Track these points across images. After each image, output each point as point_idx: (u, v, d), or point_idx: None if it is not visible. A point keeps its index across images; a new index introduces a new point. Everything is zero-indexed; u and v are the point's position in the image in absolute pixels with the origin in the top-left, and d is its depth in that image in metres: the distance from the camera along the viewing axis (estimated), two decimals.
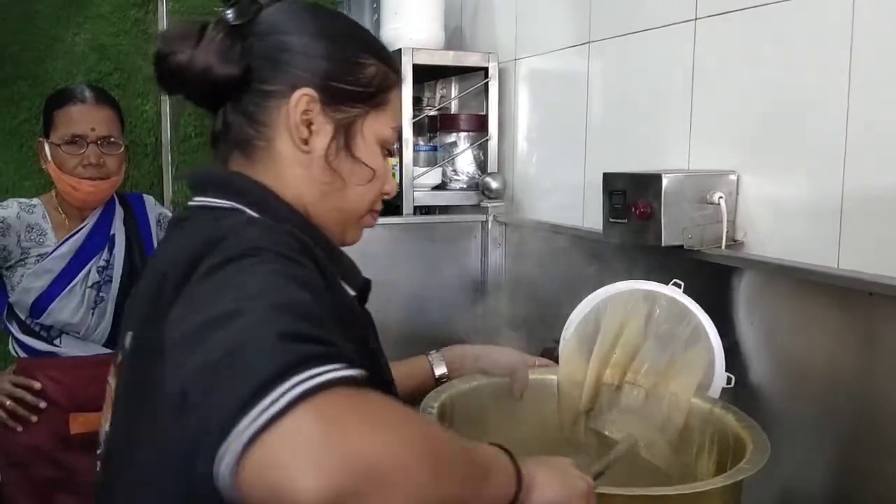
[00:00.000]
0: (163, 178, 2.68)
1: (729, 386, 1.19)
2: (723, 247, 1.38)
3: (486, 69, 2.23)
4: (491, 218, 2.17)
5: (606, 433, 1.15)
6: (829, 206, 1.23)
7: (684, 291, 1.26)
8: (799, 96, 1.29)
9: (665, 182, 1.36)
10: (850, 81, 1.19)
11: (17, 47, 2.48)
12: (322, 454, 0.51)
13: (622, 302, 1.24)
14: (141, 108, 2.64)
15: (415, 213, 2.18)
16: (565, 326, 1.28)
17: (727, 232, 1.39)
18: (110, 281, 1.80)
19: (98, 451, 0.87)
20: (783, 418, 1.23)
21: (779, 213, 1.34)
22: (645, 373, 1.15)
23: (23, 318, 1.77)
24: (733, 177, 1.41)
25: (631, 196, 1.43)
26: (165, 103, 2.65)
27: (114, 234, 1.83)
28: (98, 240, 1.81)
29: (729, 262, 1.35)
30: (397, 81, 0.93)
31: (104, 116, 1.76)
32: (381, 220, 2.11)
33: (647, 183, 1.39)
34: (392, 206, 2.19)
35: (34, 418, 1.74)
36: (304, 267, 0.70)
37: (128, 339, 0.82)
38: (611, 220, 1.50)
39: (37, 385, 1.75)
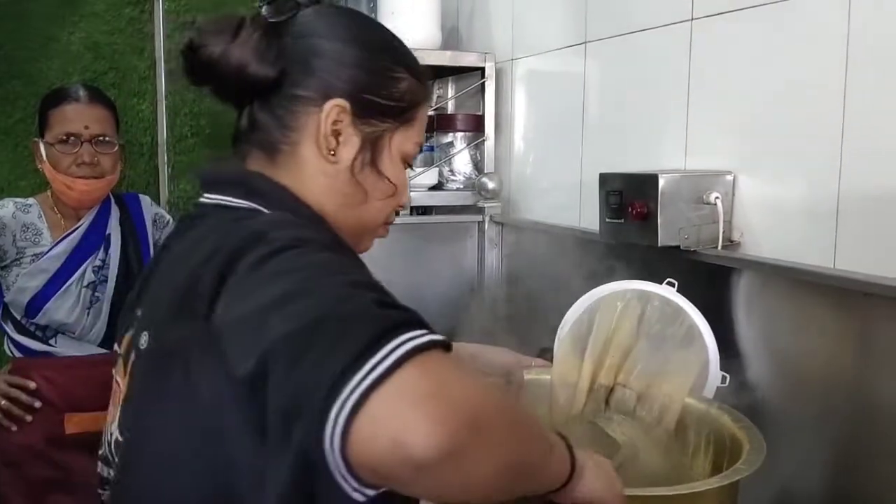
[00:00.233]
0: (159, 178, 2.67)
1: (724, 385, 1.19)
2: (719, 247, 1.39)
3: (482, 69, 2.23)
4: (487, 218, 2.17)
5: (608, 431, 1.15)
6: (826, 207, 1.23)
7: (680, 291, 1.26)
8: (795, 97, 1.29)
9: (662, 182, 1.36)
10: (847, 82, 1.20)
11: (11, 46, 2.47)
12: (437, 407, 0.54)
13: (615, 302, 1.24)
14: (137, 107, 2.63)
15: (411, 214, 2.18)
16: (560, 327, 1.28)
17: (723, 232, 1.39)
18: (106, 281, 1.79)
19: (99, 452, 0.86)
20: (780, 418, 1.23)
21: (775, 213, 1.35)
22: (637, 374, 1.16)
23: (18, 317, 1.77)
24: (730, 177, 1.41)
25: (627, 196, 1.43)
26: (161, 103, 2.64)
27: (109, 234, 1.83)
28: (94, 240, 1.81)
29: (725, 263, 1.35)
30: (427, 97, 0.92)
31: (98, 115, 1.76)
32: None
33: (644, 183, 1.40)
34: None
35: (29, 418, 1.74)
36: (348, 255, 0.73)
37: (143, 339, 0.80)
38: (607, 220, 1.50)
39: (32, 385, 1.74)
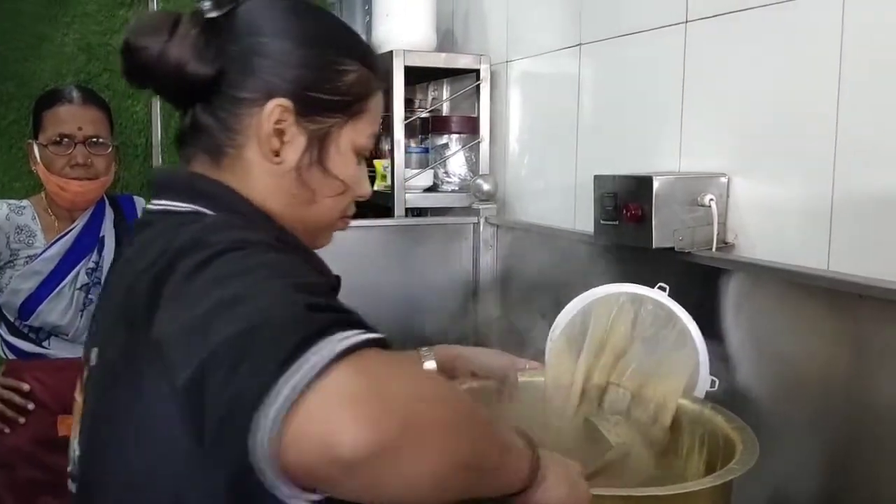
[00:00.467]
0: None
1: (713, 389, 1.19)
2: (713, 249, 1.39)
3: (477, 71, 2.23)
4: (482, 220, 2.16)
5: (601, 430, 1.15)
6: (820, 209, 1.24)
7: (675, 293, 1.26)
8: (789, 99, 1.29)
9: (656, 184, 1.36)
10: (840, 84, 1.20)
11: (3, 47, 2.47)
12: (369, 406, 0.53)
13: (608, 305, 1.24)
14: (131, 108, 2.62)
15: (406, 215, 2.18)
16: (552, 329, 1.28)
17: (718, 234, 1.39)
18: (99, 283, 1.79)
19: (68, 468, 0.84)
20: (774, 419, 1.23)
21: (769, 215, 1.35)
22: (630, 375, 1.16)
23: (11, 319, 1.76)
24: (724, 179, 1.41)
25: (622, 198, 1.44)
26: (156, 104, 2.64)
27: (103, 236, 1.82)
28: (87, 242, 1.80)
29: (720, 264, 1.35)
30: (379, 86, 0.88)
31: (92, 116, 1.75)
32: (373, 222, 2.12)
33: (638, 185, 1.40)
34: (383, 208, 2.19)
35: (22, 420, 1.73)
36: (293, 255, 0.70)
37: (93, 354, 0.79)
38: (602, 222, 1.50)
39: (25, 387, 1.74)
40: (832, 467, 1.17)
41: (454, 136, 2.27)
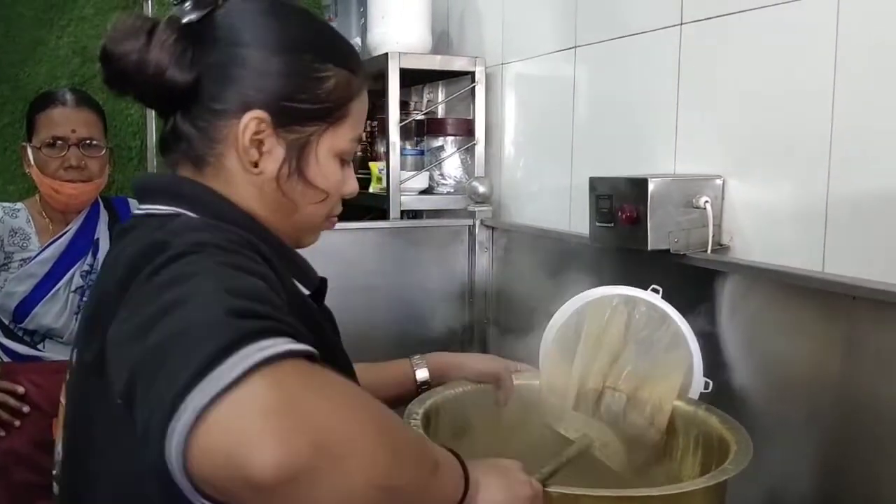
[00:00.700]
0: None
1: (707, 391, 1.19)
2: (709, 251, 1.39)
3: (472, 73, 2.23)
4: (478, 222, 2.16)
5: (561, 431, 1.15)
6: (814, 211, 1.24)
7: (671, 295, 1.26)
8: (784, 101, 1.30)
9: (651, 186, 1.36)
10: (835, 86, 1.20)
11: None
12: (280, 422, 0.50)
13: (602, 307, 1.24)
14: (126, 111, 2.62)
15: (402, 218, 2.18)
16: (545, 331, 1.28)
17: (713, 236, 1.39)
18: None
19: (53, 472, 0.84)
20: (768, 420, 1.23)
21: (764, 217, 1.35)
22: (626, 378, 1.16)
23: (6, 322, 1.76)
24: (719, 181, 1.42)
25: (617, 200, 1.44)
26: None
27: (98, 239, 1.82)
28: (82, 244, 1.80)
29: (715, 266, 1.36)
30: (361, 88, 0.87)
31: (85, 119, 1.75)
32: (368, 224, 2.12)
33: (634, 187, 1.40)
34: (379, 211, 2.19)
35: (17, 423, 1.73)
36: (249, 258, 0.68)
37: (73, 358, 0.79)
38: (597, 224, 1.50)
39: (20, 389, 1.73)
40: (826, 467, 1.18)
41: (450, 139, 2.27)
